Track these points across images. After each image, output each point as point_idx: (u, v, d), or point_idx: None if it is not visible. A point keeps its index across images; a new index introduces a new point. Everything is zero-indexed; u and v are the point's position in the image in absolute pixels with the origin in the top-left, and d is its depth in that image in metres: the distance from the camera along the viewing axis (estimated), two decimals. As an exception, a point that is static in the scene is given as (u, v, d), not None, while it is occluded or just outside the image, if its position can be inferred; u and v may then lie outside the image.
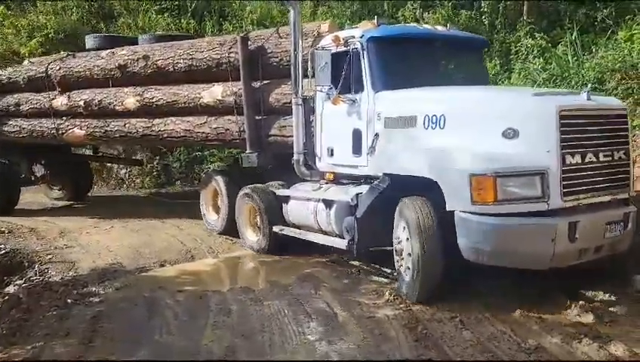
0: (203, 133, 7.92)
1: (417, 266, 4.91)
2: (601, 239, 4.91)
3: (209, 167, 12.28)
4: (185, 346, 4.44)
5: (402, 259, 5.20)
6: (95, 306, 5.41)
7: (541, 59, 9.05)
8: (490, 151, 4.74)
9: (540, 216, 4.63)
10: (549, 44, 9.35)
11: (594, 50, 8.93)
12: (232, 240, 7.76)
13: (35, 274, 6.65)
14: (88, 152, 11.98)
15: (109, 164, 13.17)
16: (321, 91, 6.23)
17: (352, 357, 4.16)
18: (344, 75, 5.92)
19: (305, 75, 6.41)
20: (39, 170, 10.88)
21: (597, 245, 4.91)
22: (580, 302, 4.89)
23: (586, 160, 4.80)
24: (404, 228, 5.10)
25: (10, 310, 5.42)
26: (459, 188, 4.71)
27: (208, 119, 7.85)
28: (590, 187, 4.85)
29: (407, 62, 6.09)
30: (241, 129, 7.42)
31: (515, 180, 4.61)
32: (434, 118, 5.15)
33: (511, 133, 4.73)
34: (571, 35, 9.06)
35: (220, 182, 7.90)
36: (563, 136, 4.65)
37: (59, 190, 11.63)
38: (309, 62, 6.31)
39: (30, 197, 11.36)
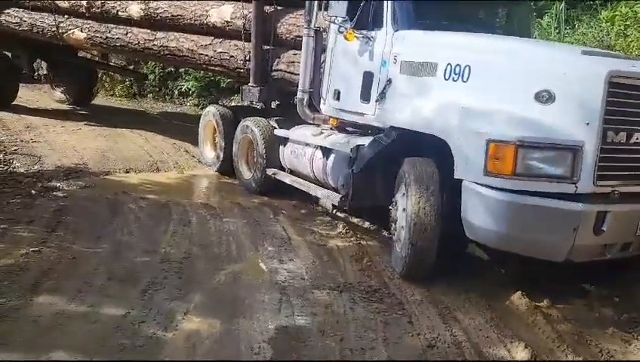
0: (206, 55, 7.29)
1: (410, 237, 4.20)
2: (632, 235, 4.10)
3: (182, 85, 12.01)
4: (144, 247, 4.59)
5: (394, 227, 4.55)
6: (59, 200, 5.55)
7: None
8: (517, 115, 3.97)
9: (563, 200, 3.85)
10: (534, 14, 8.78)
11: (577, 25, 8.62)
12: (195, 159, 7.80)
13: (0, 163, 6.70)
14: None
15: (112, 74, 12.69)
16: (334, 23, 5.37)
17: (299, 275, 4.31)
18: (362, 7, 5.10)
19: (321, 5, 5.62)
20: (42, 69, 10.40)
21: (625, 241, 4.12)
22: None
23: (632, 140, 3.97)
24: (403, 194, 4.40)
25: (-27, 193, 5.52)
26: (472, 154, 3.95)
27: (213, 41, 7.20)
28: (630, 173, 4.04)
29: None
30: (247, 58, 6.75)
31: (542, 153, 3.83)
32: (457, 68, 4.36)
33: (545, 97, 3.92)
34: (558, 7, 8.65)
35: (218, 118, 7.29)
36: (609, 108, 3.83)
37: (61, 92, 11.18)
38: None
39: (33, 95, 11.07)
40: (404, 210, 4.36)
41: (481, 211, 3.97)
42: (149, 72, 12.50)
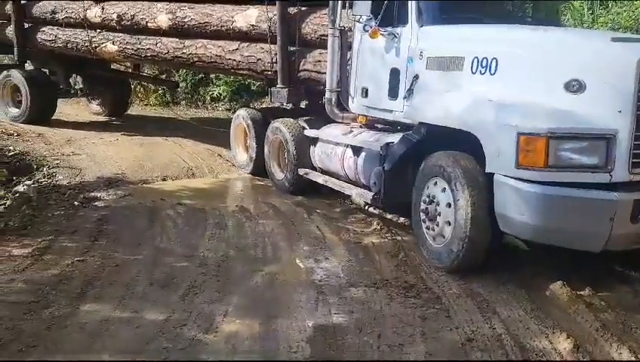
0: (234, 60, 7.31)
1: (465, 231, 4.11)
2: None
3: (213, 90, 12.05)
4: (182, 252, 4.67)
5: (435, 223, 4.45)
6: (100, 210, 5.70)
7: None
8: (547, 106, 3.90)
9: (598, 189, 3.78)
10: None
11: (610, 5, 8.40)
12: (230, 163, 7.81)
13: (44, 177, 6.85)
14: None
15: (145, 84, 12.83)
16: (359, 22, 5.37)
17: (335, 274, 4.32)
18: (386, 5, 5.08)
19: (344, 4, 5.58)
20: (78, 83, 10.63)
21: None
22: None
23: None
24: (444, 188, 4.33)
25: (21, 206, 5.64)
26: (503, 148, 3.89)
27: (240, 45, 7.21)
28: None
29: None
30: (274, 60, 6.74)
31: (574, 143, 3.76)
32: (484, 61, 4.31)
33: (576, 86, 3.86)
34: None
35: (248, 121, 7.30)
36: None
37: (97, 105, 11.39)
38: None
39: (70, 109, 11.28)
40: (448, 204, 4.29)
41: (514, 204, 3.91)
42: (180, 80, 12.62)
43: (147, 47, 8.27)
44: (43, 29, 9.71)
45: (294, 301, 3.84)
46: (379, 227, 5.37)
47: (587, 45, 4.34)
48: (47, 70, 10.39)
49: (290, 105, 7.08)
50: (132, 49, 8.50)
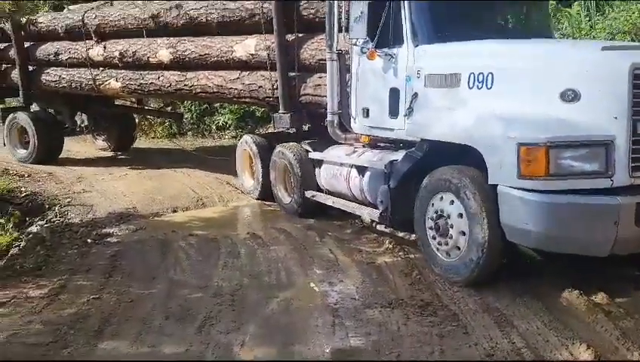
0: (235, 89, 7.35)
1: (481, 246, 4.10)
2: None
3: (218, 119, 12.09)
4: (197, 283, 4.65)
5: (447, 236, 4.43)
6: (113, 246, 5.68)
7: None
8: (545, 117, 3.95)
9: (601, 195, 3.79)
10: (559, 4, 8.69)
11: (607, 11, 8.38)
12: (238, 191, 7.82)
13: (56, 216, 6.87)
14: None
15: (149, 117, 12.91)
16: (356, 45, 5.42)
17: (350, 296, 4.30)
18: (382, 27, 5.12)
19: (341, 28, 5.64)
20: (83, 120, 10.69)
21: None
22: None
23: None
24: (452, 201, 4.35)
25: (35, 247, 5.66)
26: (504, 159, 3.93)
27: (241, 75, 7.25)
28: None
29: (454, 11, 5.17)
30: (275, 86, 6.79)
31: (573, 151, 3.80)
32: (480, 76, 4.36)
33: (571, 95, 3.91)
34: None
35: (252, 147, 7.32)
36: (636, 100, 3.78)
37: (103, 141, 11.42)
38: (344, 13, 5.53)
39: (78, 146, 11.34)
40: (460, 215, 4.30)
41: (518, 214, 3.93)
42: (186, 111, 12.65)
43: (150, 81, 8.32)
44: (47, 70, 9.80)
45: (311, 326, 3.81)
46: (391, 246, 5.35)
47: (579, 55, 4.38)
48: (52, 110, 10.47)
49: (293, 130, 7.09)
50: (135, 84, 8.56)
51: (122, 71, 8.67)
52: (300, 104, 6.72)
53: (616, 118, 3.81)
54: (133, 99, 10.95)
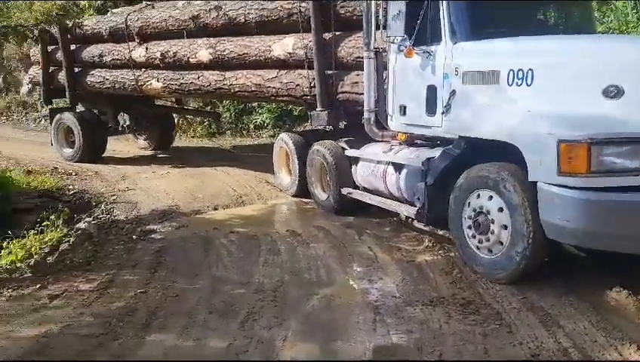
0: (273, 87, 7.38)
1: (525, 237, 4.05)
2: None
3: (256, 118, 12.13)
4: (239, 280, 4.66)
5: (488, 233, 4.36)
6: (157, 242, 5.76)
7: (596, 13, 7.91)
8: (586, 113, 3.88)
9: None
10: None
11: None
12: (277, 189, 7.78)
13: (102, 213, 7.04)
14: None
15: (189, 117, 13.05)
16: (394, 43, 5.40)
17: (390, 294, 4.25)
18: (420, 24, 5.07)
19: (378, 26, 5.62)
20: (125, 120, 10.87)
21: None
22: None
23: None
24: (491, 197, 4.32)
25: (84, 243, 5.81)
26: (544, 156, 3.87)
27: (279, 73, 7.28)
28: None
29: (492, 8, 5.08)
30: (312, 85, 6.80)
31: (615, 148, 3.73)
32: (520, 72, 4.30)
33: (614, 92, 3.84)
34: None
35: (289, 144, 7.36)
36: None
37: (144, 140, 11.62)
38: (382, 11, 5.50)
39: (121, 146, 11.56)
40: (500, 209, 4.25)
41: (559, 211, 3.87)
42: (224, 110, 12.73)
43: (190, 81, 8.41)
44: (92, 71, 9.99)
45: (352, 323, 3.80)
46: (431, 244, 5.29)
47: (622, 51, 4.28)
48: (97, 110, 10.67)
49: (330, 127, 7.09)
50: (176, 84, 8.67)
51: (163, 71, 8.78)
52: (337, 102, 6.73)
53: None
54: (173, 100, 11.14)
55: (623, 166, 3.74)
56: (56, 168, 9.55)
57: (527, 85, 4.27)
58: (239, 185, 8.10)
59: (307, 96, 7.03)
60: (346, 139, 6.62)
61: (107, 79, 9.72)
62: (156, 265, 5.08)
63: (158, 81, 8.89)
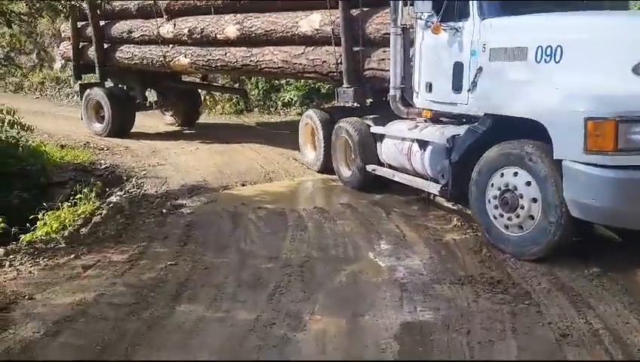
0: (300, 64, 7.30)
1: (558, 207, 3.96)
2: None
3: (284, 96, 11.96)
4: (266, 254, 4.63)
5: (517, 208, 4.26)
6: (187, 217, 5.74)
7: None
8: (615, 91, 3.78)
9: None
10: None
11: None
12: (305, 166, 7.69)
13: (133, 187, 7.04)
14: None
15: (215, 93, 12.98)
16: (421, 19, 5.28)
17: (418, 271, 4.18)
18: (447, 1, 4.96)
19: (405, 2, 5.49)
20: (152, 96, 10.88)
21: None
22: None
23: None
24: (516, 173, 4.24)
25: (115, 215, 5.82)
26: (570, 134, 3.79)
27: (305, 50, 7.19)
28: None
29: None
30: (339, 61, 6.71)
31: None
32: (548, 49, 4.19)
33: None
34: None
35: (315, 120, 7.29)
36: None
37: (171, 116, 11.62)
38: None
39: (150, 121, 11.55)
40: (528, 183, 4.18)
41: (585, 189, 3.79)
42: (252, 88, 12.63)
43: (217, 57, 8.36)
44: (121, 47, 9.98)
45: (379, 298, 3.75)
46: (459, 223, 5.18)
47: None
48: (125, 86, 10.68)
49: (356, 104, 6.99)
50: (203, 60, 8.61)
51: (191, 47, 8.74)
52: (364, 78, 6.63)
53: None
54: (200, 76, 11.10)
55: None
56: (88, 143, 9.63)
57: (556, 62, 4.16)
58: (267, 162, 8.04)
59: (334, 72, 6.94)
60: (371, 116, 6.52)
61: (135, 55, 9.71)
62: (186, 238, 5.07)
63: (185, 57, 8.86)
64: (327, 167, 7.18)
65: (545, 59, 4.22)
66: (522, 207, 4.25)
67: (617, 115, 3.62)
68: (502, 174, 4.37)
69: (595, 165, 3.72)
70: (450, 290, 3.83)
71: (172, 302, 3.80)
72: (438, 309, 3.56)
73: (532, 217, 4.21)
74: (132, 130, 10.45)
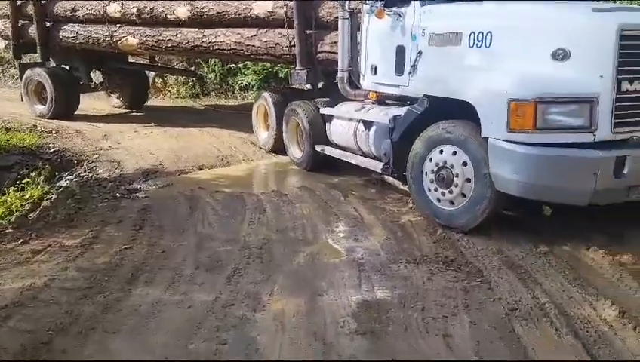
0: (253, 46, 7.15)
1: (489, 186, 4.16)
2: None
3: (241, 80, 11.72)
4: (225, 237, 4.52)
5: (454, 183, 4.41)
6: (142, 201, 5.55)
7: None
8: (535, 74, 4.01)
9: (583, 148, 3.88)
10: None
11: None
12: (261, 149, 7.61)
13: (85, 171, 6.72)
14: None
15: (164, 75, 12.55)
16: (366, 4, 5.36)
17: (375, 252, 4.17)
18: None
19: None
20: (97, 78, 10.40)
21: None
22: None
23: None
24: (455, 152, 4.37)
25: (66, 200, 5.52)
26: (495, 114, 4.00)
27: (259, 32, 7.05)
28: None
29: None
30: (292, 44, 6.62)
31: (560, 107, 3.88)
32: (480, 35, 4.36)
33: (561, 54, 3.95)
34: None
35: (269, 102, 7.21)
36: (621, 60, 3.84)
37: (117, 98, 11.14)
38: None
39: (99, 104, 11.09)
40: (464, 163, 4.32)
41: (507, 165, 4.01)
42: (209, 71, 12.20)
43: (167, 38, 8.04)
44: (64, 26, 9.42)
45: (337, 279, 3.73)
46: (415, 206, 5.15)
47: (571, 16, 4.35)
48: (68, 66, 10.15)
49: (309, 86, 6.93)
50: (153, 41, 8.26)
51: (140, 27, 8.36)
52: (317, 61, 6.58)
53: (601, 76, 3.85)
54: (148, 57, 10.67)
55: (566, 123, 3.89)
56: (35, 126, 9.06)
57: (486, 47, 4.34)
58: (224, 146, 7.83)
59: (287, 55, 6.85)
60: (322, 98, 6.51)
61: (80, 34, 9.21)
62: (141, 222, 4.88)
63: (134, 37, 8.48)
64: (278, 147, 7.18)
65: (477, 45, 4.40)
66: (456, 185, 4.41)
67: (537, 97, 3.84)
68: (441, 151, 4.52)
69: (517, 142, 3.93)
70: (406, 269, 3.85)
71: (127, 285, 3.67)
72: (394, 288, 3.58)
73: (464, 195, 4.37)
74: (81, 113, 9.94)
